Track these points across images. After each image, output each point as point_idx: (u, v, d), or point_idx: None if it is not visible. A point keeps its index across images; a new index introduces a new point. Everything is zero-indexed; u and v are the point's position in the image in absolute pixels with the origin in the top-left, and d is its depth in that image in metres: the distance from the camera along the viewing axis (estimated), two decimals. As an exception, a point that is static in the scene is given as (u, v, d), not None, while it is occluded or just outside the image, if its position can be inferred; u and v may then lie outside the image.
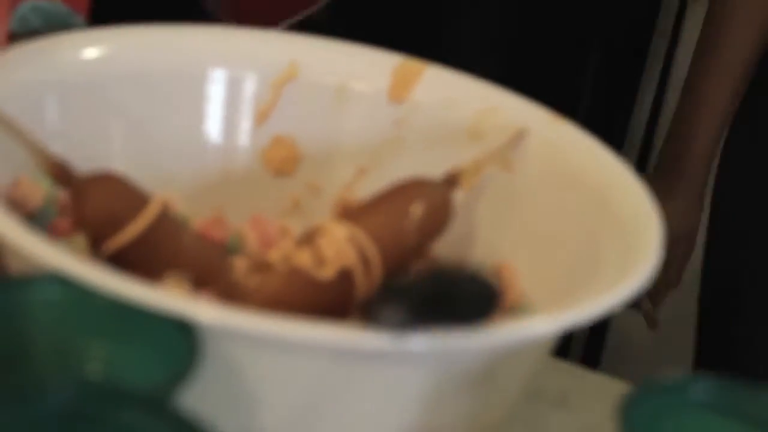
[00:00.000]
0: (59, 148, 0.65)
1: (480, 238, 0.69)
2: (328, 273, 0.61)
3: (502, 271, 0.67)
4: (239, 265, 0.63)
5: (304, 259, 0.61)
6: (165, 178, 0.71)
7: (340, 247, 0.62)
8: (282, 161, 0.73)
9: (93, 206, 0.61)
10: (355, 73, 0.73)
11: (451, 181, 0.67)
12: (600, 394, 0.70)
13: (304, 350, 0.51)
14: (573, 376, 0.70)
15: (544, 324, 0.53)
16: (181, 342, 0.49)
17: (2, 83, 0.65)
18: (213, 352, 0.50)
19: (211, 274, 0.62)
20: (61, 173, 0.62)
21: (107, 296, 0.49)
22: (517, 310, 0.64)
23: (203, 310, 0.49)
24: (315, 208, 0.73)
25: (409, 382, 0.53)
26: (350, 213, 0.66)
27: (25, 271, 0.52)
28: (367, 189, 0.71)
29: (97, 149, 0.69)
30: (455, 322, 0.46)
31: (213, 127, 0.73)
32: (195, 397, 0.48)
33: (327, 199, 0.73)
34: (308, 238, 0.63)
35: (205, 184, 0.73)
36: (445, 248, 0.68)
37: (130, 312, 0.49)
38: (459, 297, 0.47)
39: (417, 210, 0.65)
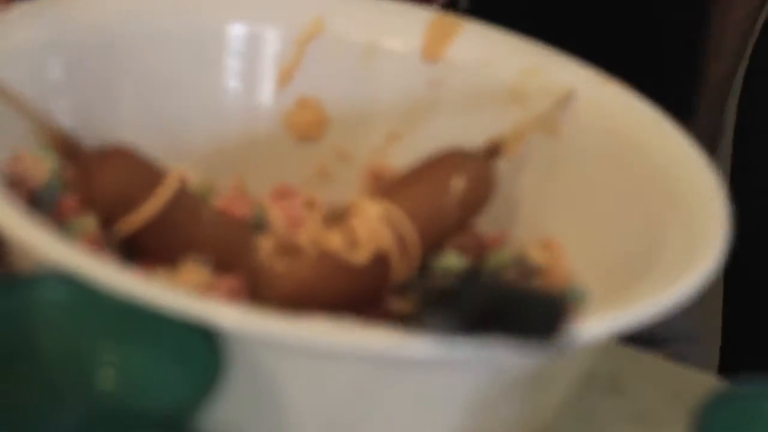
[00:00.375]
0: (65, 115, 0.60)
1: (524, 212, 0.64)
2: (361, 256, 0.56)
3: (549, 248, 0.61)
4: (264, 247, 0.58)
5: (335, 241, 0.56)
6: (181, 144, 0.66)
7: (374, 228, 0.57)
8: (307, 125, 0.68)
9: (103, 184, 0.56)
10: (386, 30, 0.68)
11: (493, 150, 0.62)
12: (653, 377, 0.66)
13: (341, 357, 0.45)
14: (625, 358, 0.65)
15: (601, 326, 0.47)
16: (203, 348, 0.44)
17: (5, 44, 0.60)
18: (237, 357, 0.45)
19: (234, 256, 0.57)
20: (67, 147, 0.57)
21: (119, 296, 0.44)
22: (567, 294, 0.58)
23: (225, 313, 0.44)
24: (343, 176, 0.68)
25: (454, 389, 0.48)
26: (384, 188, 0.61)
27: (30, 268, 0.47)
28: (399, 155, 0.66)
29: (106, 114, 0.64)
30: (511, 336, 0.41)
31: (232, 88, 0.67)
32: (216, 407, 0.43)
33: (356, 167, 0.68)
34: (340, 218, 0.58)
35: (225, 149, 0.68)
36: (485, 223, 0.63)
37: (145, 313, 0.44)
38: (521, 315, 0.41)
39: (457, 184, 0.59)
